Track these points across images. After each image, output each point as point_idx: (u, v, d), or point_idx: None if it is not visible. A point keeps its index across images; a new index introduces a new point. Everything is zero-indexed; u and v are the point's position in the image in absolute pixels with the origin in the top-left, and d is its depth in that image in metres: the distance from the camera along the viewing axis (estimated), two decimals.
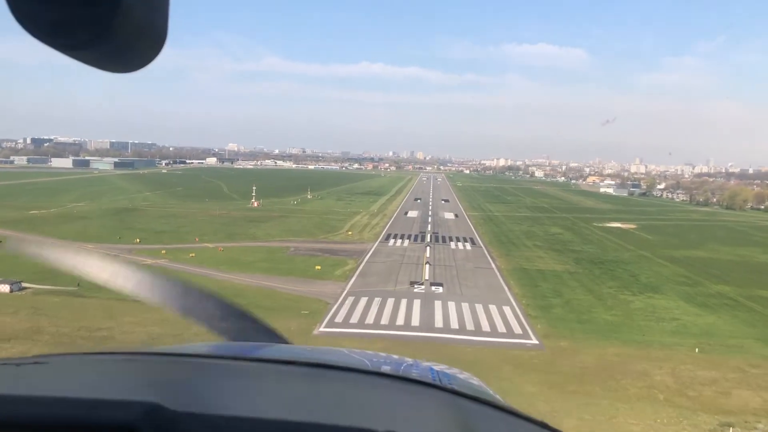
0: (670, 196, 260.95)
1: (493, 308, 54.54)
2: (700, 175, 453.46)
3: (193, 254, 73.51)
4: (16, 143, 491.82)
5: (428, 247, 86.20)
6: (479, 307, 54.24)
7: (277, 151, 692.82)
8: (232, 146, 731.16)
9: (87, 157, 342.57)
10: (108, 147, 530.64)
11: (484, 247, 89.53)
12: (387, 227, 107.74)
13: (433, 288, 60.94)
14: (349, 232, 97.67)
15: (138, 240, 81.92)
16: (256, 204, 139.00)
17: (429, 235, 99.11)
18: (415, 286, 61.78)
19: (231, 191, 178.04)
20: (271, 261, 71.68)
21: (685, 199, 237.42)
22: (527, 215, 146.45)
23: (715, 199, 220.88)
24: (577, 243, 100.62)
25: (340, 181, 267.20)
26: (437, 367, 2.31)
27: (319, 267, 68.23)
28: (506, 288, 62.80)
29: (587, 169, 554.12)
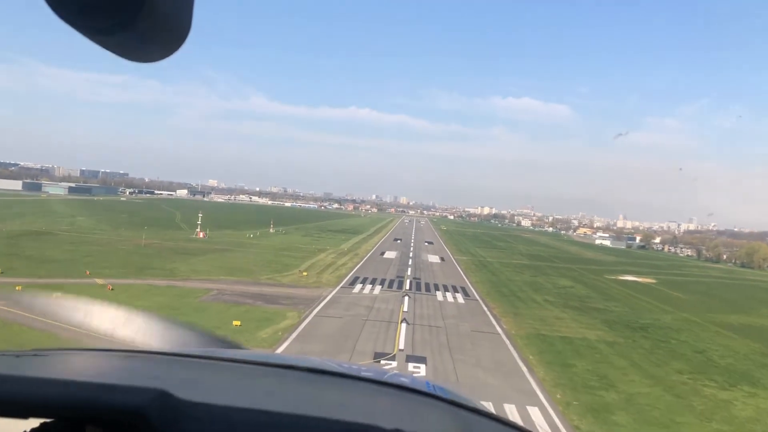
0: (672, 250, 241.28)
1: (511, 411, 31.68)
2: (690, 232, 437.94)
3: (59, 294, 49.77)
4: None
5: (406, 297, 63.31)
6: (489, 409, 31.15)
7: (258, 189, 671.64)
8: (212, 182, 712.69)
9: (42, 181, 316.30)
10: (78, 174, 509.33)
11: (481, 301, 66.78)
12: (356, 269, 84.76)
13: (412, 366, 37.85)
14: (305, 273, 74.55)
15: (0, 270, 58.27)
16: (201, 235, 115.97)
17: (408, 281, 76.32)
18: (383, 360, 38.77)
19: (182, 221, 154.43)
20: (172, 309, 48.22)
21: (690, 254, 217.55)
22: (525, 263, 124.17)
23: (725, 256, 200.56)
24: (597, 299, 78.33)
25: (314, 219, 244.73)
26: (435, 384, 2.30)
27: (238, 322, 44.95)
28: (525, 369, 39.93)
29: (575, 221, 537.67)
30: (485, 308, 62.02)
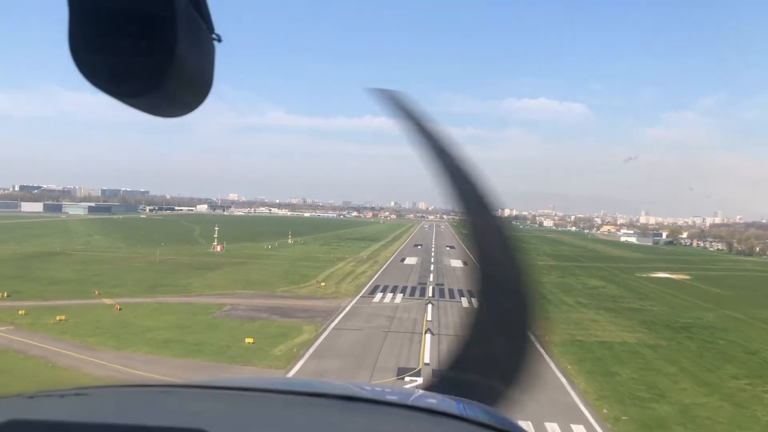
0: (701, 244, 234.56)
1: (554, 431, 28.23)
2: (716, 225, 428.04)
3: (63, 317, 47.26)
4: (5, 190, 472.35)
5: (430, 305, 59.94)
6: (525, 426, 27.75)
7: (277, 201, 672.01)
8: (233, 196, 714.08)
9: (63, 203, 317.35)
10: (99, 194, 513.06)
11: None
12: (375, 277, 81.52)
13: None
14: (323, 283, 71.47)
15: (5, 294, 55.89)
16: (218, 248, 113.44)
17: (431, 288, 72.93)
18: (407, 377, 35.43)
19: (201, 236, 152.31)
20: (181, 328, 45.43)
21: (720, 248, 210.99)
22: (552, 264, 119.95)
23: (758, 248, 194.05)
24: (632, 299, 74.21)
25: (333, 227, 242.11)
26: (463, 401, 2.22)
27: (250, 340, 41.95)
28: (564, 380, 36.38)
29: (597, 220, 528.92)
30: None
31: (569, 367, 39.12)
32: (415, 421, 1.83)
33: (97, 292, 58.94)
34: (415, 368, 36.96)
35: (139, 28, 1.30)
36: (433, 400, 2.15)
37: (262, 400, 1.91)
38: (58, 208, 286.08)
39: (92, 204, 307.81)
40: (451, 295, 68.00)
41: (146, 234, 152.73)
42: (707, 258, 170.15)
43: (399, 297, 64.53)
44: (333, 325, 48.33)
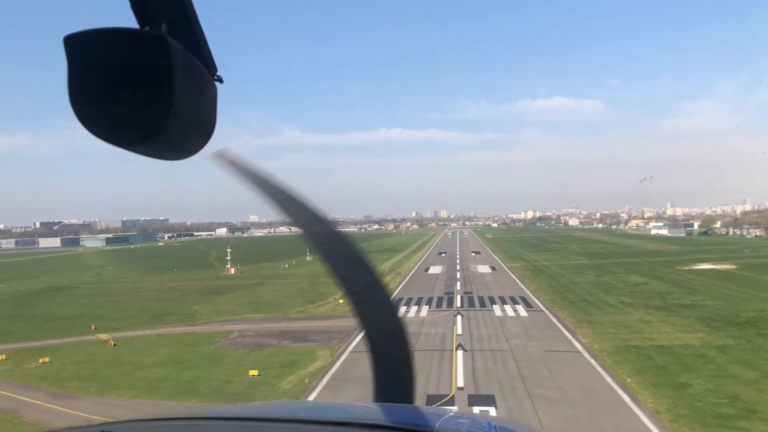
0: (737, 232, 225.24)
1: None
2: (747, 213, 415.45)
3: (47, 359, 42.13)
4: (25, 228, 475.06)
5: (459, 317, 54.03)
6: None
7: None
8: (253, 218, 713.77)
9: (81, 236, 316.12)
10: (119, 225, 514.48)
11: (547, 311, 57.00)
12: (399, 289, 75.74)
13: (477, 411, 28.62)
14: (341, 301, 65.75)
15: None
16: (232, 271, 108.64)
17: (459, 297, 66.97)
18: (439, 405, 29.65)
19: (217, 259, 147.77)
20: (178, 363, 40.03)
21: (759, 234, 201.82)
22: (585, 263, 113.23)
23: None
24: (680, 294, 67.44)
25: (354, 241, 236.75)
26: (497, 422, 2.19)
27: (255, 372, 36.39)
28: (626, 398, 30.24)
29: (623, 215, 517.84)
30: (554, 319, 52.28)
31: (629, 380, 32.99)
32: None
33: (93, 327, 53.98)
34: (447, 394, 31.16)
35: (136, 78, 1.29)
36: (463, 421, 2.06)
37: (280, 431, 1.81)
38: (75, 242, 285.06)
39: (110, 235, 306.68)
40: (482, 304, 61.99)
41: (160, 261, 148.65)
42: (748, 245, 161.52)
43: (425, 309, 58.69)
44: (351, 347, 42.62)
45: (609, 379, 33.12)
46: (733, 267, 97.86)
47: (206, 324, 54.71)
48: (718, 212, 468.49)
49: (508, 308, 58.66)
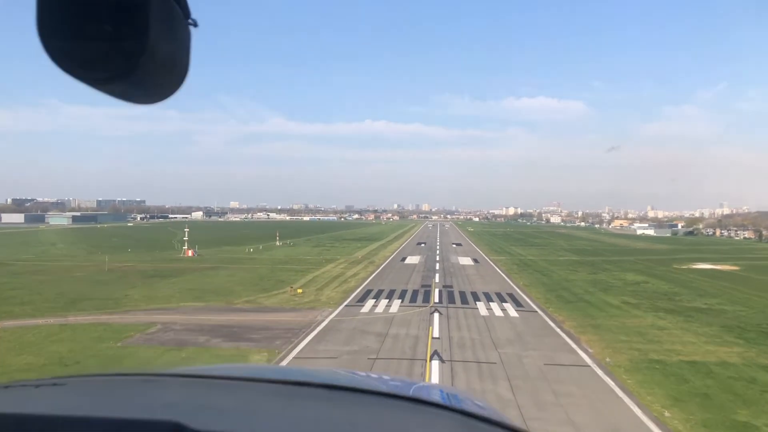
0: (724, 233, 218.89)
1: None
2: (729, 215, 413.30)
3: None
4: None
5: (436, 315, 44.85)
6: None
7: (279, 207, 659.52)
8: (234, 204, 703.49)
9: (48, 213, 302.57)
10: (94, 205, 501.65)
11: (541, 311, 48.02)
12: (369, 280, 66.42)
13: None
14: (299, 290, 56.42)
15: None
16: (189, 253, 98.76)
17: (438, 291, 57.80)
18: None
19: (181, 241, 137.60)
20: (63, 366, 30.27)
21: (747, 236, 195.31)
22: (575, 259, 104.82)
23: None
24: (688, 295, 58.94)
25: (331, 229, 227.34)
26: (447, 389, 2.33)
27: None
28: None
29: (605, 215, 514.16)
30: (551, 322, 43.27)
31: (667, 413, 23.94)
32: (397, 410, 1.77)
33: None
34: None
35: (110, 13, 1.24)
36: (422, 390, 2.18)
37: (240, 390, 1.82)
38: (40, 219, 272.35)
39: (77, 213, 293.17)
40: (464, 300, 52.83)
41: (120, 241, 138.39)
42: (741, 247, 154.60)
43: (396, 304, 49.42)
44: (296, 351, 33.20)
45: (638, 411, 24.04)
46: (736, 268, 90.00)
47: (130, 312, 44.98)
48: (697, 215, 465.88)
49: (494, 306, 49.54)
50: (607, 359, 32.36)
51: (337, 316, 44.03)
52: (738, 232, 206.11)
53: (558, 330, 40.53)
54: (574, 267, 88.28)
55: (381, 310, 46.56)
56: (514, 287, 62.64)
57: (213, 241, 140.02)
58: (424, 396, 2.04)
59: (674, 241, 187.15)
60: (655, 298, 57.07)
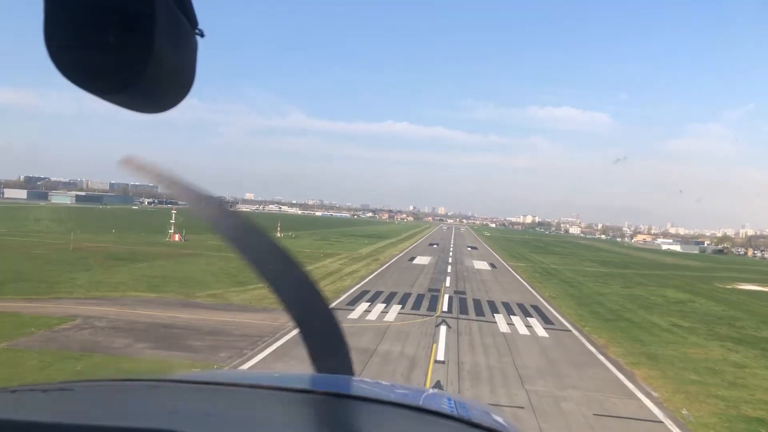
0: (756, 254, 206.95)
1: None
2: (757, 236, 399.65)
3: None
4: (8, 180, 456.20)
5: (443, 328, 35.09)
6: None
7: (294, 201, 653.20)
8: (249, 195, 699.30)
9: (52, 191, 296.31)
10: (107, 187, 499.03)
11: (576, 331, 38.06)
12: (368, 279, 56.76)
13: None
14: None
15: None
16: (176, 238, 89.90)
17: (447, 298, 47.99)
18: None
19: (181, 226, 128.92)
20: None
21: None
22: (603, 271, 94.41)
23: None
24: (753, 322, 48.67)
25: (342, 225, 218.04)
26: (456, 397, 2.25)
27: None
28: None
29: (626, 229, 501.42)
30: (590, 346, 33.37)
31: None
32: (403, 420, 1.72)
33: None
34: None
35: (116, 24, 1.23)
36: (427, 398, 2.13)
37: (244, 398, 1.76)
38: (44, 196, 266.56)
39: (82, 193, 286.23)
40: (479, 311, 42.98)
41: (112, 222, 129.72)
42: None
43: (394, 310, 39.72)
44: (245, 367, 23.66)
45: None
46: None
47: (57, 300, 35.74)
48: (719, 234, 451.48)
49: (517, 321, 39.66)
50: (684, 411, 22.47)
51: None
52: None
53: (602, 358, 30.64)
54: (604, 279, 78.01)
55: (374, 318, 36.88)
56: (539, 298, 52.67)
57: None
58: (433, 406, 1.92)
59: (704, 258, 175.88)
60: (710, 322, 46.89)
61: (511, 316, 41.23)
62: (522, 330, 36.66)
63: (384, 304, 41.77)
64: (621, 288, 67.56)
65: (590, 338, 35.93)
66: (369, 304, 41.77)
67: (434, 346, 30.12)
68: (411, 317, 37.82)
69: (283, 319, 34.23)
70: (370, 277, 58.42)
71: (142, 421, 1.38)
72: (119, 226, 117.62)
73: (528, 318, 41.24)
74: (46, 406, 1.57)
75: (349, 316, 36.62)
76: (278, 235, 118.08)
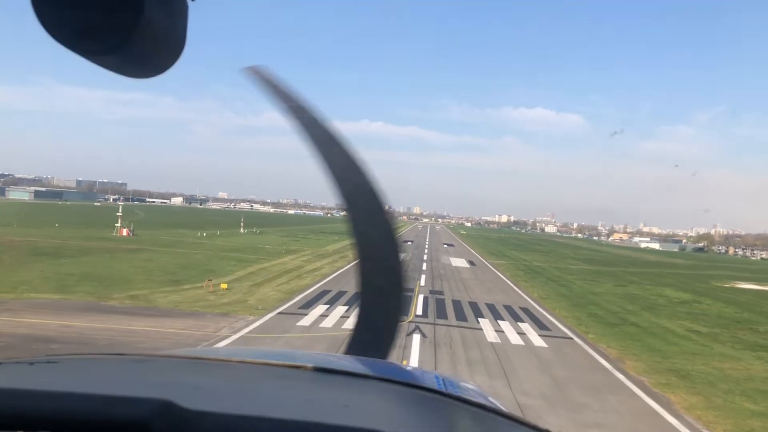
0: (738, 252, 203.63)
1: None
2: (734, 235, 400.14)
3: None
4: None
5: (417, 337, 27.76)
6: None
7: (268, 200, 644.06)
8: (222, 194, 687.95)
9: (9, 187, 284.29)
10: (74, 185, 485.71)
11: (579, 339, 31.01)
12: (331, 277, 49.31)
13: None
14: (224, 285, 39.19)
15: None
16: (125, 232, 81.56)
17: (421, 299, 40.61)
18: None
19: (139, 222, 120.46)
20: None
21: (765, 256, 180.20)
22: (589, 268, 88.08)
23: None
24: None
25: (312, 223, 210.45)
26: (443, 376, 2.32)
27: None
28: None
29: (601, 228, 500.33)
30: (603, 361, 26.31)
31: None
32: (388, 393, 1.76)
33: None
34: None
35: None
36: (415, 375, 2.21)
37: (233, 371, 1.83)
38: (0, 192, 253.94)
39: (42, 189, 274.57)
40: (460, 315, 35.68)
41: (63, 217, 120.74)
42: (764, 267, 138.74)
43: (357, 314, 32.28)
44: None
45: None
46: None
47: None
48: (692, 234, 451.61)
49: (507, 327, 32.49)
50: None
51: (255, 330, 26.92)
52: (754, 252, 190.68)
53: (621, 377, 23.61)
54: (593, 277, 71.53)
55: (330, 324, 29.47)
56: (527, 299, 45.67)
57: (171, 224, 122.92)
58: (417, 381, 2.00)
59: (687, 256, 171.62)
60: (728, 326, 40.34)
61: (499, 321, 34.06)
62: (514, 338, 29.48)
63: (345, 307, 34.34)
64: (614, 287, 61.00)
65: (598, 348, 28.94)
66: (327, 306, 34.36)
67: (404, 363, 22.75)
68: None
69: (213, 327, 26.80)
70: (334, 275, 50.95)
71: (131, 391, 1.37)
72: (69, 221, 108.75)
73: (519, 323, 34.10)
74: (32, 377, 1.55)
75: (298, 323, 29.18)
76: (241, 231, 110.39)
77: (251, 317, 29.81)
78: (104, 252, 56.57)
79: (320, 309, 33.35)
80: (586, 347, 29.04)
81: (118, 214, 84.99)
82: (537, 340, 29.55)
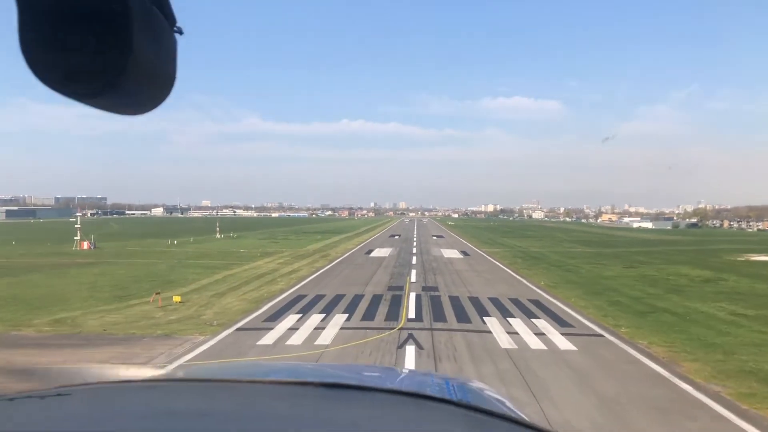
0: (733, 225, 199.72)
1: None
2: (724, 209, 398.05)
3: None
4: None
5: (410, 349, 21.58)
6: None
7: (253, 206, 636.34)
8: (206, 202, 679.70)
9: None
10: (52, 202, 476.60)
11: (613, 337, 24.95)
12: (309, 279, 43.00)
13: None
14: (178, 298, 32.79)
15: None
16: (85, 245, 74.92)
17: (413, 297, 34.41)
18: None
19: (104, 235, 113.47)
20: None
21: (763, 227, 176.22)
22: (590, 251, 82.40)
23: None
24: None
25: (296, 224, 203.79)
26: (454, 380, 2.27)
27: None
28: None
29: (588, 211, 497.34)
30: (655, 366, 20.21)
31: None
32: (401, 407, 1.69)
33: None
34: None
35: (92, 24, 1.16)
36: (425, 382, 2.15)
37: (241, 392, 1.77)
38: None
39: (14, 208, 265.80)
40: (461, 315, 29.49)
41: (25, 234, 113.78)
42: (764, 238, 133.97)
43: (335, 324, 26.11)
44: None
45: None
46: None
47: None
48: (678, 211, 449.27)
49: (520, 326, 26.37)
50: None
51: (199, 356, 20.56)
52: (750, 223, 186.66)
53: (688, 388, 17.58)
54: (597, 260, 65.76)
55: (301, 340, 23.15)
56: (535, 289, 39.66)
57: (142, 234, 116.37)
58: (433, 392, 1.94)
59: (683, 233, 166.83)
60: None
61: (509, 320, 27.93)
62: (533, 342, 23.37)
63: (322, 315, 28.13)
64: (624, 269, 55.15)
65: (638, 346, 22.93)
66: (299, 316, 28.07)
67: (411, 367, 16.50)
68: (360, 334, 24.20)
69: (145, 355, 20.48)
70: (312, 276, 44.67)
71: (141, 424, 1.34)
72: (30, 238, 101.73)
73: (533, 320, 28.01)
74: (42, 414, 1.50)
75: (259, 341, 22.87)
76: (217, 236, 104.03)
77: (200, 337, 23.52)
78: (52, 268, 49.94)
79: (290, 320, 27.05)
80: (624, 346, 23.02)
81: (76, 226, 78.02)
82: (561, 342, 23.47)
